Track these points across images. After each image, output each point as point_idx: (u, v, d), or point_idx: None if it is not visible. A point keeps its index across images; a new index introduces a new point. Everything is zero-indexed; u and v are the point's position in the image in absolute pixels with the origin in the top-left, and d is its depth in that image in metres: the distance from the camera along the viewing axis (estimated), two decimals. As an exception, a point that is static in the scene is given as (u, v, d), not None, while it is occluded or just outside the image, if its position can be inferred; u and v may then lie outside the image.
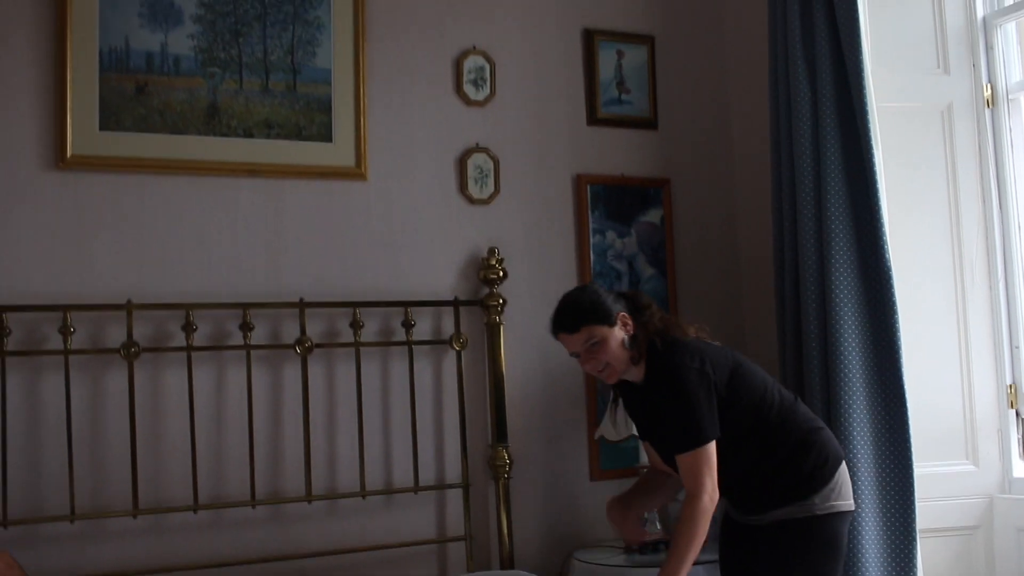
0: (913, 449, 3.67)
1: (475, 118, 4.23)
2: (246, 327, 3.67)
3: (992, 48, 4.01)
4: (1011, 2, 3.98)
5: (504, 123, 4.28)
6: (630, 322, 3.25)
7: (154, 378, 3.62)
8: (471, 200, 4.17)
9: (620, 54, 4.52)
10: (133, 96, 3.67)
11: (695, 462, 3.09)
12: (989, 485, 3.91)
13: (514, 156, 4.28)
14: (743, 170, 4.70)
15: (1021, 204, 3.95)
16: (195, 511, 3.59)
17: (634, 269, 4.43)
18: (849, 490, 3.24)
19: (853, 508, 3.26)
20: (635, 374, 3.29)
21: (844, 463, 3.25)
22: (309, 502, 3.75)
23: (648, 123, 4.56)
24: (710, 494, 3.06)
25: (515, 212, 4.26)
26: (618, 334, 3.21)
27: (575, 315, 3.24)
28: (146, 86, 3.70)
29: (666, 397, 3.17)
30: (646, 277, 4.44)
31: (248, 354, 3.68)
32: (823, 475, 3.18)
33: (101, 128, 3.62)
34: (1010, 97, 3.98)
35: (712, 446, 3.10)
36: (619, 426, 4.01)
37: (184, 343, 3.60)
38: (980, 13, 4.03)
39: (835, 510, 3.17)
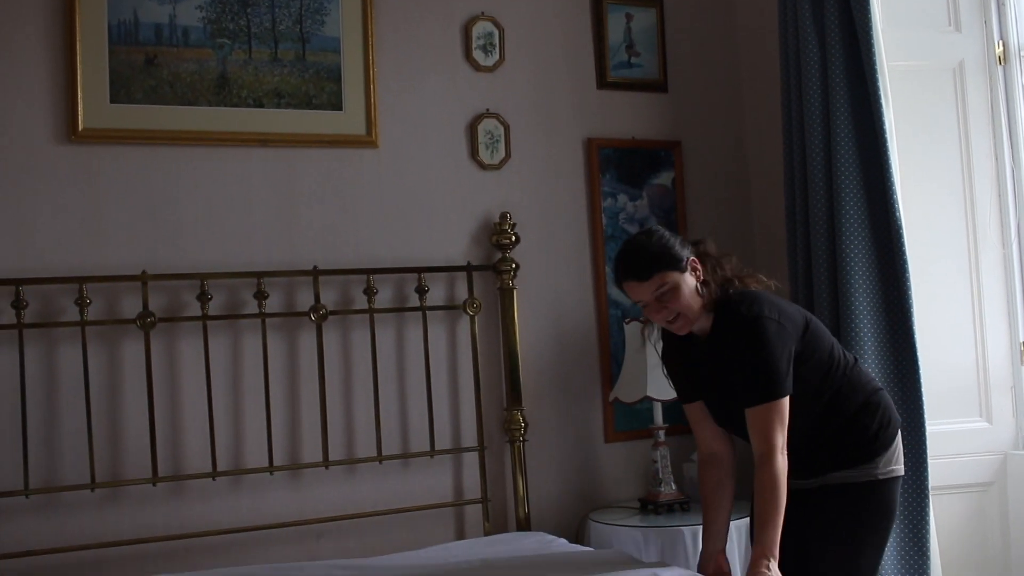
0: (926, 406, 3.68)
1: (485, 84, 4.23)
2: (260, 296, 3.70)
3: (1004, 5, 3.99)
4: (1022, -42, 3.96)
5: (514, 88, 4.28)
6: (700, 268, 3.07)
7: (170, 348, 3.66)
8: (482, 166, 4.18)
9: (629, 17, 4.50)
10: (143, 68, 3.69)
11: (768, 416, 2.94)
12: (1003, 442, 3.93)
13: (524, 121, 4.28)
14: (754, 131, 4.69)
15: (1034, 162, 3.95)
16: (214, 478, 3.63)
17: (646, 232, 4.43)
18: (902, 454, 3.16)
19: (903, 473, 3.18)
20: (702, 325, 3.10)
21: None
22: (327, 467, 3.79)
23: (658, 86, 4.55)
24: (782, 450, 2.93)
25: (526, 177, 4.27)
26: (689, 280, 3.03)
27: (645, 261, 3.02)
28: (155, 58, 3.71)
29: (743, 349, 2.98)
30: (658, 240, 4.44)
31: (263, 322, 3.72)
32: (886, 438, 3.10)
33: (112, 101, 3.64)
34: (1022, 54, 3.95)
35: (787, 401, 2.96)
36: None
37: (199, 313, 3.63)
38: (992, -31, 4.01)
39: (894, 474, 3.10)
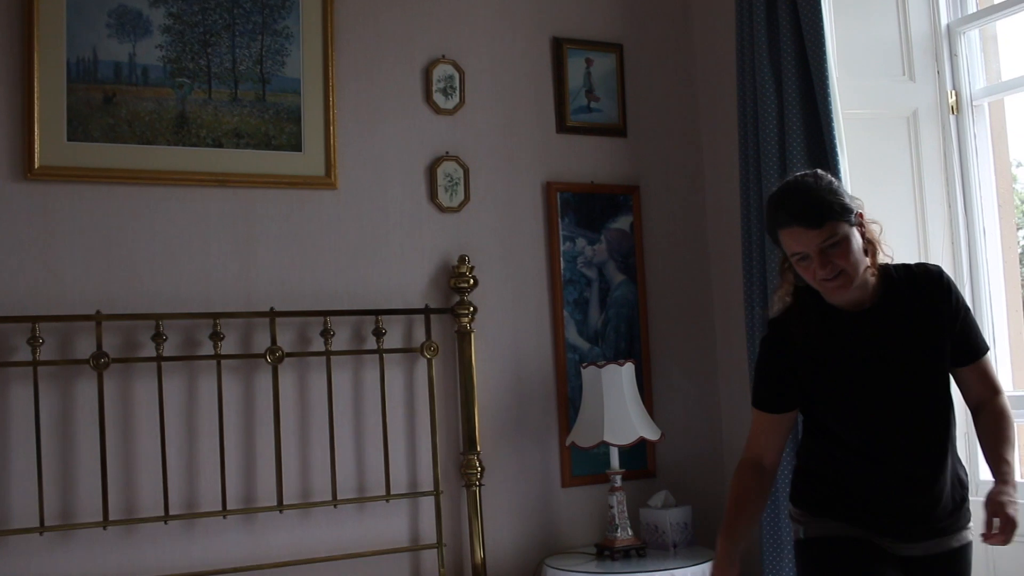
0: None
1: (445, 126, 4.24)
2: (216, 337, 3.67)
3: (956, 55, 4.06)
4: (974, 10, 4.02)
5: (474, 131, 4.29)
6: (866, 225, 2.73)
7: (124, 388, 3.61)
8: (441, 208, 4.18)
9: (589, 62, 4.54)
10: (101, 106, 3.67)
11: (991, 367, 2.76)
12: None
13: (484, 164, 4.30)
14: (712, 177, 4.73)
15: (986, 210, 3.99)
16: (166, 521, 3.58)
17: (604, 276, 4.45)
18: None
19: None
20: (855, 295, 2.72)
21: None
22: (281, 511, 3.75)
23: (617, 130, 4.58)
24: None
25: (485, 220, 4.27)
26: (857, 236, 2.67)
27: (818, 206, 2.63)
28: (114, 96, 3.69)
29: (953, 304, 2.72)
30: (616, 284, 4.46)
31: (219, 364, 3.68)
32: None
33: (69, 138, 3.62)
34: (974, 103, 4.02)
35: None
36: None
37: (154, 353, 3.60)
38: (944, 21, 4.07)
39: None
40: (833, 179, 2.75)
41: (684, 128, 4.76)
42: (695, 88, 4.81)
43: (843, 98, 3.86)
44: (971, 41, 4.05)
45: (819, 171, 2.79)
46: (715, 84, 4.68)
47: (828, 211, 2.63)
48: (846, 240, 2.64)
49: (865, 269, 2.70)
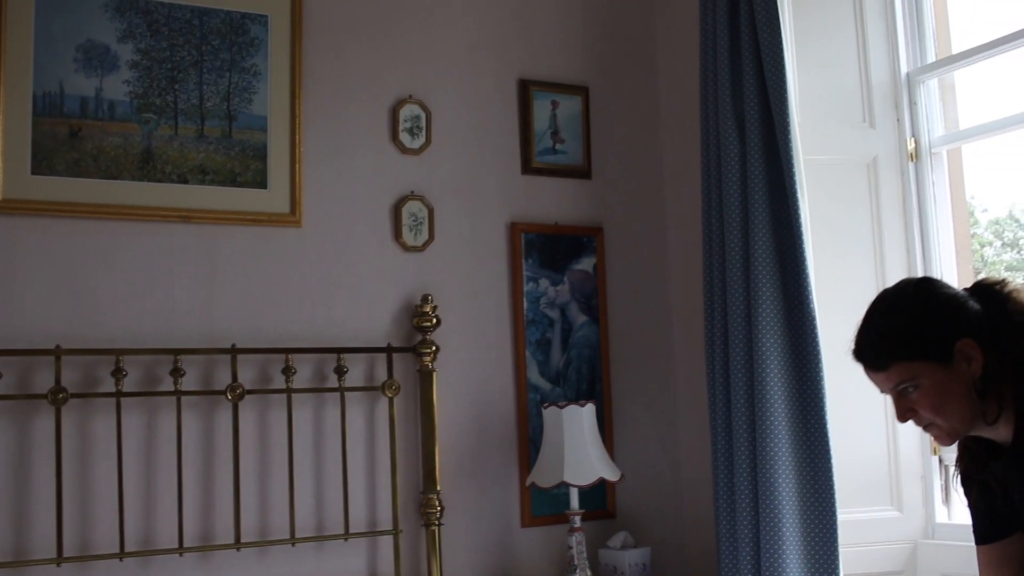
0: (837, 495, 3.72)
1: (410, 166, 4.26)
2: (177, 373, 3.66)
3: (915, 104, 4.12)
4: (933, 59, 4.09)
5: (439, 171, 4.32)
6: (979, 355, 2.14)
7: (82, 424, 3.59)
8: (405, 247, 4.20)
9: (555, 104, 4.58)
10: (67, 140, 3.67)
11: None
12: (913, 530, 3.97)
13: (449, 204, 4.32)
14: (675, 220, 4.77)
15: (944, 256, 4.04)
16: (121, 559, 3.55)
17: (567, 317, 4.47)
18: None
19: None
20: (1000, 432, 2.18)
21: None
22: (238, 549, 3.73)
23: (582, 172, 4.62)
24: None
25: (449, 259, 4.29)
26: (956, 374, 2.13)
27: (877, 343, 2.21)
28: (80, 131, 3.69)
29: None
30: (578, 325, 4.49)
31: (178, 400, 3.67)
32: None
33: (33, 172, 3.61)
34: (933, 151, 4.08)
35: None
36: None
37: (114, 389, 3.58)
38: (904, 70, 4.13)
39: None
40: (935, 295, 2.22)
41: (648, 171, 4.81)
42: (660, 131, 4.86)
43: (805, 144, 3.91)
44: (930, 90, 4.11)
45: (918, 287, 2.28)
46: (679, 128, 4.73)
47: (891, 351, 2.18)
48: (928, 384, 2.15)
49: (976, 412, 2.15)
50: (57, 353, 3.51)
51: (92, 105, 3.73)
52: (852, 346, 2.31)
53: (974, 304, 2.21)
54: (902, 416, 2.22)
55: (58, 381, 3.50)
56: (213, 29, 3.94)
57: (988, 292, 2.24)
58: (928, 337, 2.15)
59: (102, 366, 3.61)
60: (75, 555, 3.51)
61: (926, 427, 2.23)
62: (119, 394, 3.58)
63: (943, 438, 2.21)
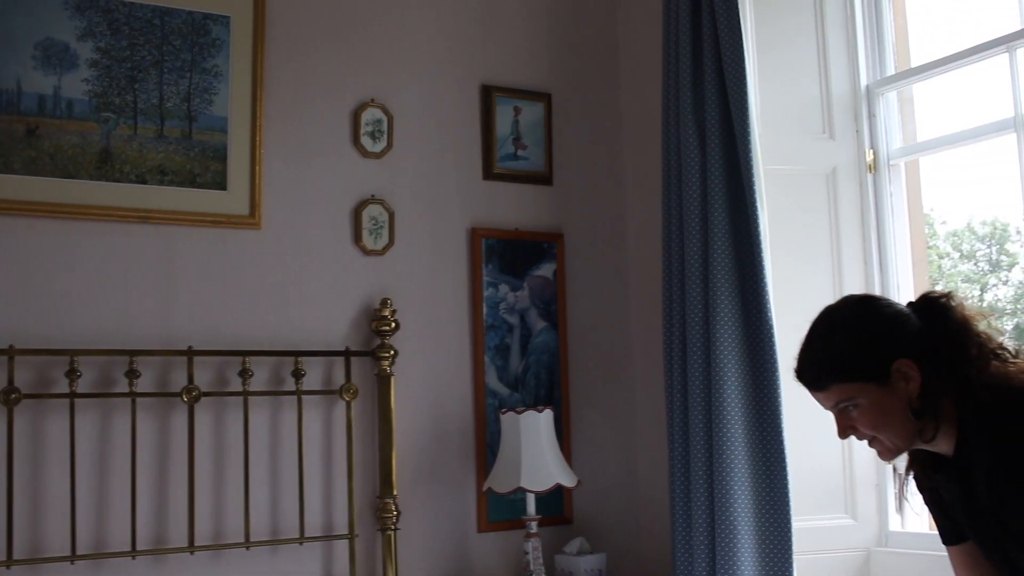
0: (793, 503, 3.74)
1: (372, 170, 4.26)
2: (132, 374, 3.63)
3: (874, 116, 4.15)
4: (892, 72, 4.13)
5: (400, 175, 4.31)
6: (916, 374, 2.16)
7: (35, 425, 3.56)
8: (365, 251, 4.19)
9: (517, 110, 4.59)
10: (23, 139, 3.63)
11: None
12: (867, 538, 4.00)
13: (410, 208, 4.31)
14: (635, 227, 4.78)
15: (901, 266, 4.07)
16: (72, 561, 3.52)
17: (526, 322, 4.47)
18: None
19: None
20: (941, 446, 2.21)
21: None
22: (192, 552, 3.70)
23: (543, 179, 4.63)
24: None
25: (409, 264, 4.28)
26: (894, 393, 2.16)
27: (817, 365, 2.24)
28: (37, 129, 3.66)
29: (997, 483, 2.07)
30: (538, 330, 4.49)
31: (133, 401, 3.64)
32: None
33: (-11, 170, 3.58)
34: (891, 163, 4.11)
35: None
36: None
37: (68, 389, 3.55)
38: (864, 82, 4.17)
39: None
40: (873, 316, 2.24)
41: (609, 178, 4.82)
42: (621, 139, 4.88)
43: (765, 154, 3.93)
44: (889, 102, 4.15)
45: (858, 305, 2.32)
46: (641, 136, 4.74)
47: (829, 372, 2.21)
48: (866, 403, 2.19)
49: (914, 430, 2.18)
50: (11, 353, 3.47)
51: (50, 103, 3.70)
52: (795, 366, 2.34)
53: (915, 321, 2.24)
54: (843, 433, 2.27)
55: (11, 381, 3.46)
56: (174, 29, 3.91)
57: (932, 306, 2.27)
58: (865, 358, 2.19)
59: (56, 367, 3.58)
60: (25, 558, 3.48)
61: (869, 442, 2.28)
62: (73, 395, 3.55)
63: (885, 454, 2.27)
